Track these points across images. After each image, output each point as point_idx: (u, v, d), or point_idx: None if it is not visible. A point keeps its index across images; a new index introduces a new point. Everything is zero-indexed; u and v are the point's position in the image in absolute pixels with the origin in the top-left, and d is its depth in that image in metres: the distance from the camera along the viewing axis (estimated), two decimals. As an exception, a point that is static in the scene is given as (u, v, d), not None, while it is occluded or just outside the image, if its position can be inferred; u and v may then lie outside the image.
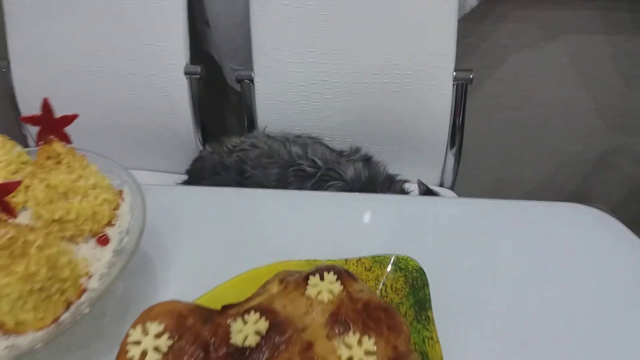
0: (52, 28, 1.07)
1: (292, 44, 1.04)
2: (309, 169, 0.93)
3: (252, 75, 1.07)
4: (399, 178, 0.97)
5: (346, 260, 0.52)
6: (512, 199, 0.69)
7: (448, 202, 0.73)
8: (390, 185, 0.94)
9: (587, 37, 1.31)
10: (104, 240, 0.48)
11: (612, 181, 1.53)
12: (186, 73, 1.08)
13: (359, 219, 0.64)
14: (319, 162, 0.94)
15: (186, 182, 1.06)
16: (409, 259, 0.51)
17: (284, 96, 1.08)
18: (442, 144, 1.10)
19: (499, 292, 0.56)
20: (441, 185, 1.19)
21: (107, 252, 0.47)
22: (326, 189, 0.91)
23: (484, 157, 1.53)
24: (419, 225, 0.64)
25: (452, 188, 1.19)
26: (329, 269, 0.44)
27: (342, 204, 0.68)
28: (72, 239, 0.48)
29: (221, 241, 0.59)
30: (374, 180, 0.93)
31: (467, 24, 1.21)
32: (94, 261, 0.46)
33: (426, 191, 0.93)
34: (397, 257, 0.51)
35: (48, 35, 1.07)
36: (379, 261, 0.51)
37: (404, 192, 0.95)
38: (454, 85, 1.04)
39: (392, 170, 1.00)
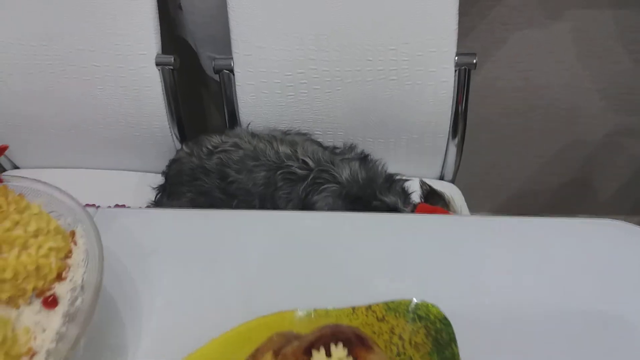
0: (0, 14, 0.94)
1: (276, 28, 0.93)
2: (299, 171, 0.83)
3: (232, 64, 0.96)
4: (398, 177, 0.88)
5: (354, 308, 0.43)
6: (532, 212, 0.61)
7: (466, 221, 0.64)
8: (390, 186, 0.84)
9: (592, 12, 1.22)
10: (51, 302, 0.38)
11: (618, 162, 1.46)
12: (158, 64, 0.97)
13: (360, 245, 0.55)
14: (311, 163, 0.84)
15: (162, 187, 0.95)
16: (429, 306, 0.42)
17: (268, 87, 0.97)
18: (443, 134, 1.01)
19: (531, 327, 0.47)
20: (441, 178, 1.10)
21: (55, 318, 0.38)
22: (320, 192, 0.82)
23: (482, 143, 1.45)
24: (431, 251, 0.55)
25: (453, 181, 1.10)
26: (335, 334, 0.35)
27: (339, 226, 0.58)
28: (10, 302, 0.38)
29: (201, 282, 0.50)
30: (373, 181, 0.83)
31: (465, 1, 1.10)
32: (39, 332, 0.37)
33: (429, 191, 0.84)
34: (416, 302, 0.42)
35: (-3, 24, 0.94)
36: (394, 308, 0.42)
37: (405, 192, 0.86)
38: (455, 71, 0.95)
39: (389, 164, 0.91)
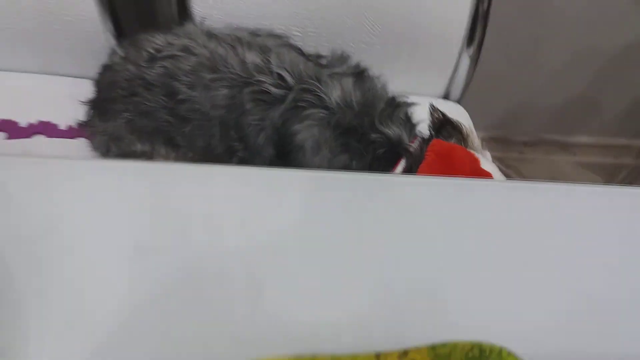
0: None
1: None
2: (274, 89, 0.62)
3: None
4: (402, 100, 0.68)
5: (378, 355, 0.26)
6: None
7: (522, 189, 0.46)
8: (393, 112, 0.65)
9: None
10: None
11: (635, 78, 1.28)
12: None
13: (371, 228, 0.37)
14: (289, 79, 0.62)
15: (93, 103, 0.72)
16: (504, 352, 0.25)
17: (231, -32, 0.72)
18: (456, 41, 0.80)
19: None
20: (446, 97, 0.91)
21: None
22: (302, 120, 0.62)
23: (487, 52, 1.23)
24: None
25: (459, 101, 0.91)
26: None
27: (337, 191, 0.40)
28: None
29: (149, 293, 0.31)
30: (371, 106, 0.63)
31: None
32: None
33: (442, 121, 0.64)
34: (480, 346, 0.25)
35: None
36: (445, 356, 0.25)
37: (410, 122, 0.66)
38: (481, -44, 0.72)
39: (385, 78, 0.70)
